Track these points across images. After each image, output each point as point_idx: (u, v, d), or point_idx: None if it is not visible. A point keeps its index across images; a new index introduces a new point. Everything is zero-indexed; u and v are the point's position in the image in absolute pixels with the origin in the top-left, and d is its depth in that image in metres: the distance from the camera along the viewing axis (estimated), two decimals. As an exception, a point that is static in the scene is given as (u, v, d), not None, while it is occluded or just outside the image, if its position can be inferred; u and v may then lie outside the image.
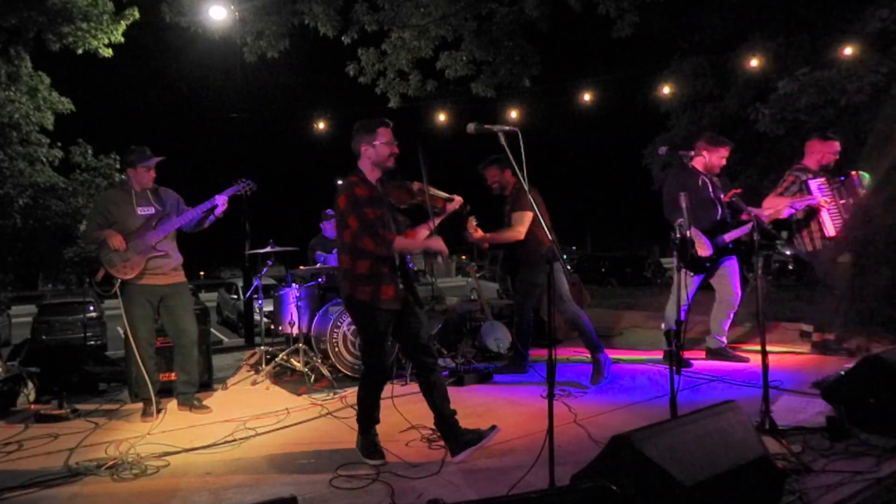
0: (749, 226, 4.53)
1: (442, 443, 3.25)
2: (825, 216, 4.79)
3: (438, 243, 3.13)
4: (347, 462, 3.07)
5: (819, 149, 4.92)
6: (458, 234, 4.24)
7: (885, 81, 8.67)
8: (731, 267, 4.81)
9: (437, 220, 3.61)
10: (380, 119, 3.20)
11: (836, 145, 4.91)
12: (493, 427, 3.10)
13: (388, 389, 3.92)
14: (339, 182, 3.34)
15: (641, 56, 13.91)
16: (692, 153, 4.67)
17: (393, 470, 2.94)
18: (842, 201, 4.77)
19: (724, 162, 4.81)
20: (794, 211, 4.75)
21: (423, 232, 3.33)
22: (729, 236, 4.61)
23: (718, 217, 4.68)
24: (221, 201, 4.17)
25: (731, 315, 4.92)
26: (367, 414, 3.23)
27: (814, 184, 4.83)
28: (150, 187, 4.18)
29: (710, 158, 4.76)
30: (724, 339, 4.97)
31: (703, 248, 4.51)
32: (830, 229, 4.77)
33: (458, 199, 3.34)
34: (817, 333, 5.05)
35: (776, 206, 4.76)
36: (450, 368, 4.94)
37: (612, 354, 5.32)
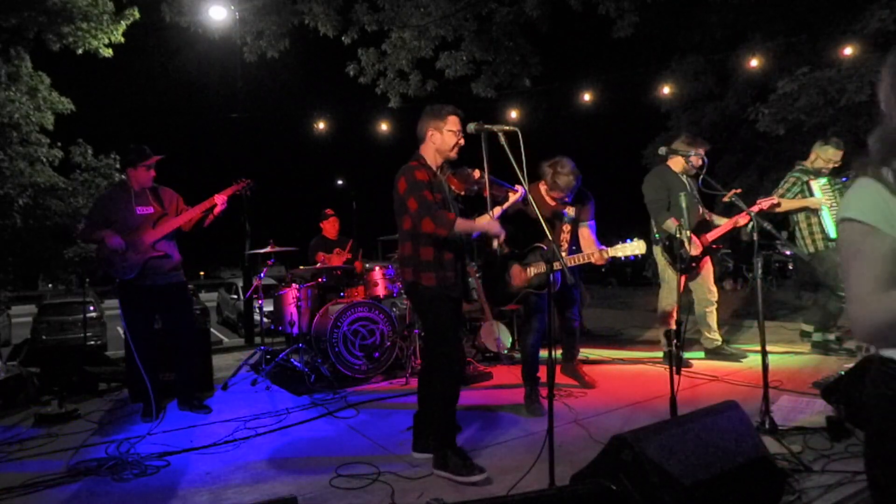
0: (728, 225, 4.58)
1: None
2: (826, 217, 4.80)
3: (496, 226, 2.98)
4: (347, 462, 3.07)
5: (820, 154, 4.94)
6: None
7: (884, 81, 8.66)
8: (704, 266, 4.84)
9: (498, 211, 3.50)
10: (451, 106, 3.10)
11: (838, 154, 4.91)
12: (483, 472, 2.79)
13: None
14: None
15: (641, 56, 13.91)
16: (690, 151, 4.69)
17: (393, 470, 2.93)
18: None
19: (700, 161, 4.81)
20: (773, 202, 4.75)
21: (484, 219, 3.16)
22: (711, 235, 4.63)
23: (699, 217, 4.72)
24: (220, 201, 4.17)
25: (714, 310, 4.94)
26: (448, 421, 2.95)
27: (815, 185, 4.84)
28: (149, 187, 4.18)
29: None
30: (719, 337, 4.99)
31: (696, 247, 4.54)
32: (833, 231, 4.78)
33: (521, 190, 3.19)
34: (817, 333, 5.06)
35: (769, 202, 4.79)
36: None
37: (613, 354, 5.33)
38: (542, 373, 3.74)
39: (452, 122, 3.05)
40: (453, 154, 3.09)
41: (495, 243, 3.08)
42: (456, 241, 3.03)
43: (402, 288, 3.16)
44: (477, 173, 3.16)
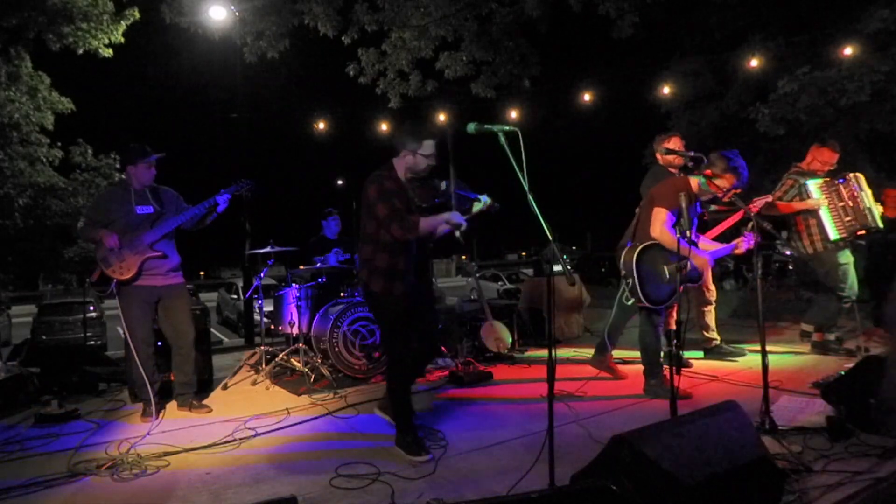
0: (727, 223, 4.60)
1: (442, 443, 3.27)
2: (825, 218, 4.80)
3: (456, 216, 3.08)
4: (347, 462, 3.07)
5: (816, 156, 4.96)
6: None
7: (885, 81, 8.67)
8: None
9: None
10: (429, 130, 3.21)
11: (834, 157, 4.93)
12: (430, 454, 3.08)
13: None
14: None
15: (641, 56, 13.92)
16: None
17: (393, 470, 2.93)
18: (840, 203, 4.78)
19: (681, 160, 4.82)
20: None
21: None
22: (709, 235, 4.65)
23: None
24: (222, 200, 4.16)
25: (711, 310, 4.96)
26: (403, 407, 3.23)
27: (812, 186, 4.85)
28: (149, 185, 4.17)
29: (667, 156, 4.80)
30: (716, 336, 5.01)
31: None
32: (833, 232, 4.77)
33: (487, 200, 3.24)
34: (817, 333, 5.06)
35: (767, 200, 4.80)
36: (450, 368, 4.95)
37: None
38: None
39: (427, 147, 3.13)
40: (423, 174, 3.19)
41: (458, 233, 3.17)
42: (413, 253, 3.18)
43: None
44: (444, 184, 3.22)
